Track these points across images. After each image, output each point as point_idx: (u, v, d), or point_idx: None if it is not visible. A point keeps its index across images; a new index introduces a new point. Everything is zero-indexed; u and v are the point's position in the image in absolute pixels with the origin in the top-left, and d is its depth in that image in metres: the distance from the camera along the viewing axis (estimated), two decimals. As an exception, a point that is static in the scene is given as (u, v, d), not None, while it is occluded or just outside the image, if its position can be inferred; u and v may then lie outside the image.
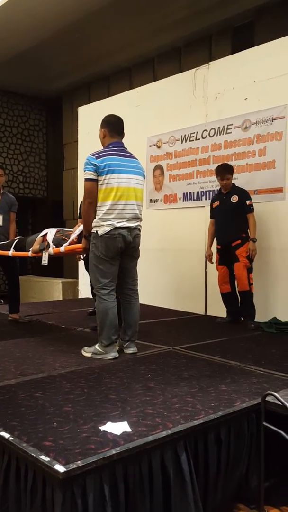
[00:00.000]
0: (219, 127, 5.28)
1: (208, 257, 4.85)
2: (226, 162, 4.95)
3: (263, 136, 4.87)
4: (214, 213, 4.80)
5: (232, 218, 4.55)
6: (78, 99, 8.69)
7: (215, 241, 4.81)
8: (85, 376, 2.85)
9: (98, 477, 1.74)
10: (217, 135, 5.30)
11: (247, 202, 4.54)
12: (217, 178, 4.70)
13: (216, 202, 4.77)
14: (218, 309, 5.03)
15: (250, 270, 4.53)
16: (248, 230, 4.55)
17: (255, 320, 4.56)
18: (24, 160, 9.72)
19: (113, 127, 3.43)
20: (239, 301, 4.67)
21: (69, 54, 7.52)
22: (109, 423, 2.09)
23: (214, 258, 4.80)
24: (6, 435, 1.95)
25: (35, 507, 1.74)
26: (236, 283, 4.64)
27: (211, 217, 4.85)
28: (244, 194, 4.59)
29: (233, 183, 4.68)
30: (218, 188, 5.26)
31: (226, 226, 4.60)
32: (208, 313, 5.39)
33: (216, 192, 5.20)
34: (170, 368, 3.05)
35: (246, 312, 4.60)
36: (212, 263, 4.84)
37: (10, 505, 1.85)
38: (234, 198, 4.58)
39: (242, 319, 4.67)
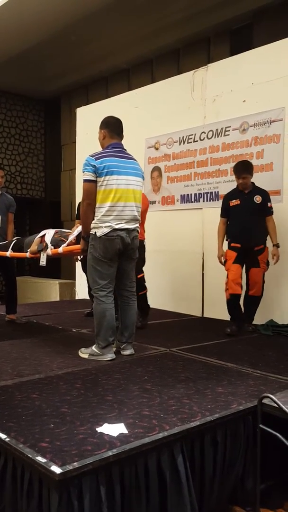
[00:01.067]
0: (217, 129, 5.28)
1: (220, 257, 4.53)
2: (244, 159, 4.70)
3: (261, 138, 4.89)
4: (232, 212, 4.43)
5: (255, 220, 4.32)
6: (76, 100, 8.70)
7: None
8: (82, 378, 2.85)
9: (95, 479, 1.75)
10: (215, 137, 5.31)
11: (269, 204, 4.36)
12: (235, 176, 4.43)
13: (235, 201, 4.40)
14: (215, 311, 5.04)
15: (264, 274, 4.44)
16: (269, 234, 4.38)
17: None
18: (22, 161, 9.72)
19: (112, 128, 3.44)
20: (244, 305, 4.50)
21: (67, 55, 7.53)
22: (105, 425, 2.09)
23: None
24: (2, 436, 1.95)
25: (31, 508, 1.74)
26: (249, 287, 4.43)
27: (225, 215, 4.48)
28: (266, 195, 4.39)
29: (253, 182, 4.41)
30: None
31: (250, 227, 4.31)
32: (205, 315, 5.40)
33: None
34: (167, 370, 3.05)
35: (248, 315, 4.52)
36: (223, 264, 4.52)
37: (6, 506, 1.85)
38: (258, 198, 4.32)
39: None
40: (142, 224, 4.52)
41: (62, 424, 2.11)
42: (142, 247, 4.45)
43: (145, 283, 4.60)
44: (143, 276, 4.58)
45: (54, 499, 1.65)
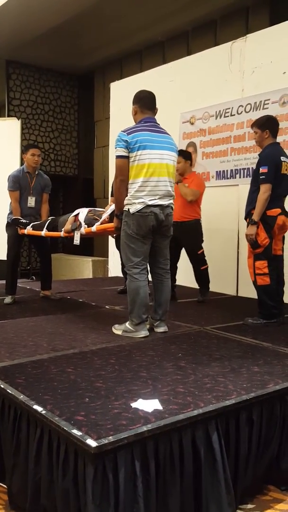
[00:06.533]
0: (255, 103, 5.09)
1: None
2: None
3: (301, 111, 4.69)
4: None
5: (251, 188, 3.69)
6: (110, 75, 8.58)
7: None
8: (116, 353, 2.87)
9: (130, 453, 1.75)
10: (253, 111, 5.11)
11: (261, 169, 3.52)
12: None
13: None
14: (250, 290, 4.93)
15: (256, 257, 3.64)
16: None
17: None
18: (56, 138, 9.71)
19: (144, 102, 3.36)
20: None
21: (101, 29, 7.39)
22: (140, 400, 2.09)
23: None
24: (39, 408, 1.97)
25: (66, 480, 1.76)
26: None
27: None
28: (260, 159, 3.59)
29: (272, 144, 3.64)
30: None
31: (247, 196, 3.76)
32: (239, 294, 5.32)
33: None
34: (201, 348, 3.02)
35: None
36: None
37: (42, 477, 1.89)
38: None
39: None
40: (198, 204, 4.74)
41: (97, 398, 2.13)
42: (199, 225, 4.76)
43: (205, 258, 4.78)
44: (203, 251, 4.75)
45: (90, 472, 1.66)
